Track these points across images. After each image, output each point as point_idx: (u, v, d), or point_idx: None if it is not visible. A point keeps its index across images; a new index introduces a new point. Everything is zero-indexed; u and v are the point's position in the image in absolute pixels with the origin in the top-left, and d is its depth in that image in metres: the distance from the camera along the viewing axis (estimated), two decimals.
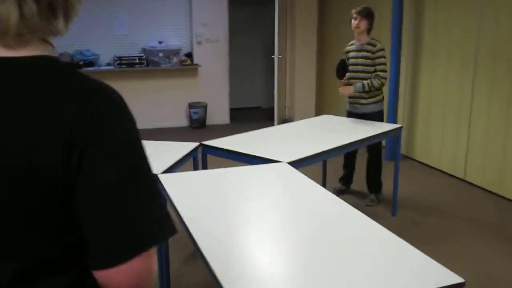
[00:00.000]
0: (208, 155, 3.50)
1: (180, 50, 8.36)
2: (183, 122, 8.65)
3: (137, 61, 7.97)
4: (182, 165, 3.21)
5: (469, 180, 5.29)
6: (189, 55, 8.43)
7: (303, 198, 2.32)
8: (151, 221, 0.91)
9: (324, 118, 4.60)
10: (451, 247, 3.80)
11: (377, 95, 4.57)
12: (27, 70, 0.91)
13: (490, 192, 4.96)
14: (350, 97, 4.66)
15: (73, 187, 0.87)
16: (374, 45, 4.45)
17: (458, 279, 1.59)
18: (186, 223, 2.01)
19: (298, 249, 1.76)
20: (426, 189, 5.15)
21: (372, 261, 1.69)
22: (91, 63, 7.87)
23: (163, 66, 8.15)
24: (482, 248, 3.77)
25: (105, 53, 8.07)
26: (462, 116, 5.33)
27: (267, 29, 9.13)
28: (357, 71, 4.52)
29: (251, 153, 3.21)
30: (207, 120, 8.64)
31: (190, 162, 3.53)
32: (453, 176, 5.54)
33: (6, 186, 0.86)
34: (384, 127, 4.17)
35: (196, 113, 8.46)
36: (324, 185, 4.94)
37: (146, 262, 0.90)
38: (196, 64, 8.41)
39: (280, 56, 7.90)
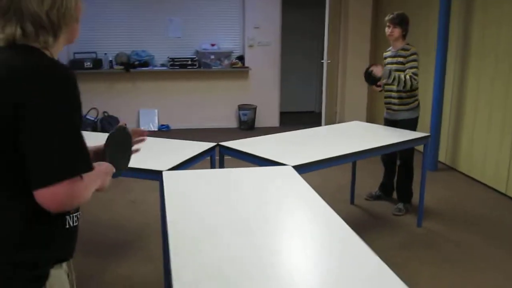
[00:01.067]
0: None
1: (232, 52, 8.53)
2: (233, 123, 8.82)
3: (190, 62, 8.22)
4: (195, 163, 3.32)
5: (511, 195, 5.05)
6: (241, 58, 8.58)
7: (285, 201, 2.35)
8: (70, 158, 1.27)
9: (352, 124, 4.56)
10: (470, 272, 3.67)
11: (410, 103, 4.49)
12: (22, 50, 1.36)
13: None
14: (385, 103, 4.63)
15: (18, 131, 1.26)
16: (407, 50, 4.42)
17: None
18: (167, 220, 2.10)
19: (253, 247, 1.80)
20: (463, 201, 4.97)
21: (329, 261, 1.70)
22: (145, 64, 8.20)
23: (214, 68, 8.35)
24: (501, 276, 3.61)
25: (160, 54, 8.39)
26: (507, 125, 5.09)
27: (322, 32, 9.09)
28: (392, 84, 4.43)
29: (259, 155, 3.27)
30: (256, 123, 8.75)
31: (208, 161, 3.64)
32: (494, 189, 5.30)
33: None
34: (408, 135, 4.08)
35: (245, 115, 8.59)
36: (352, 188, 4.90)
37: (68, 189, 1.26)
38: (247, 67, 8.54)
39: (329, 61, 7.87)
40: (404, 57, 4.39)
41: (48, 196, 1.25)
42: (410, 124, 4.47)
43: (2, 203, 1.33)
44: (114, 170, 1.64)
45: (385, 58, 4.66)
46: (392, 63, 4.50)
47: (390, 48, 4.63)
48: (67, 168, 1.26)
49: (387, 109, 4.64)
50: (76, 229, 1.49)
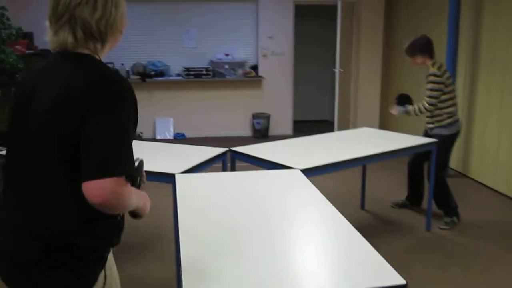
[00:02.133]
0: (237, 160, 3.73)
1: (246, 62, 8.68)
2: (247, 131, 8.95)
3: (204, 72, 8.39)
4: (207, 167, 3.44)
5: None
6: (255, 68, 8.73)
7: (291, 203, 2.45)
8: (117, 160, 1.40)
9: (362, 131, 4.66)
10: (479, 275, 3.73)
11: (442, 120, 4.40)
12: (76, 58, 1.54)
13: None
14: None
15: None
16: (430, 72, 4.36)
17: (401, 281, 1.67)
18: (179, 220, 2.23)
19: (253, 247, 1.92)
20: (473, 207, 5.01)
21: (331, 257, 1.80)
22: (161, 73, 8.39)
23: (228, 77, 8.51)
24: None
25: (175, 64, 8.58)
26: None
27: (335, 41, 9.20)
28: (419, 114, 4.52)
29: (269, 159, 3.39)
30: (270, 131, 8.87)
31: (220, 166, 3.77)
32: (506, 195, 5.34)
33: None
34: (415, 141, 4.17)
35: (259, 123, 8.72)
36: (363, 193, 4.98)
37: (113, 185, 1.38)
38: (261, 76, 8.69)
39: (341, 70, 7.97)
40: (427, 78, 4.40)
41: (95, 188, 1.37)
42: (441, 140, 4.35)
43: (65, 195, 1.48)
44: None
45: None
46: (427, 82, 4.43)
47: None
48: (116, 167, 1.39)
49: (426, 123, 4.61)
50: (123, 219, 1.67)
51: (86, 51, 1.53)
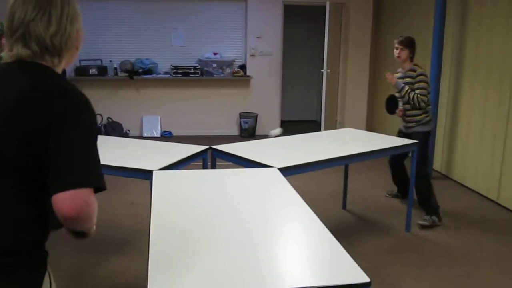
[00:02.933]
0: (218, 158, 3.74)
1: (234, 61, 8.70)
2: (234, 131, 8.97)
3: (192, 70, 8.40)
4: (186, 164, 3.46)
5: (502, 203, 5.14)
6: (243, 67, 8.75)
7: (265, 201, 2.47)
8: (90, 171, 1.39)
9: (344, 131, 4.69)
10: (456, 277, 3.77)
11: (423, 118, 4.64)
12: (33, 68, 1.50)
13: None
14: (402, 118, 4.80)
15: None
16: (414, 71, 4.59)
17: (365, 279, 1.69)
18: (151, 216, 2.24)
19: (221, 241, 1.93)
20: (454, 208, 5.06)
21: (300, 255, 1.82)
22: (149, 71, 8.39)
23: (216, 76, 8.52)
24: (493, 279, 3.71)
25: (163, 62, 8.58)
26: (498, 135, 5.20)
27: (323, 42, 9.24)
28: (402, 97, 4.66)
29: (248, 158, 3.41)
30: (257, 130, 8.89)
31: (200, 163, 3.78)
32: (486, 197, 5.40)
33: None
34: (396, 142, 4.21)
35: (246, 123, 8.74)
36: (344, 193, 5.01)
37: (84, 197, 1.35)
38: (249, 76, 8.70)
39: (329, 71, 8.01)
40: (413, 77, 4.57)
41: (68, 199, 1.33)
42: (421, 137, 4.58)
43: (11, 204, 1.43)
44: None
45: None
46: (418, 82, 4.60)
47: (399, 69, 4.79)
48: (89, 177, 1.38)
49: (404, 122, 4.82)
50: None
51: (44, 63, 1.51)
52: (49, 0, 1.50)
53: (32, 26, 1.47)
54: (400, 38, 4.62)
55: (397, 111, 4.74)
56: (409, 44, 4.60)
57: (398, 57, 4.63)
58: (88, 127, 1.43)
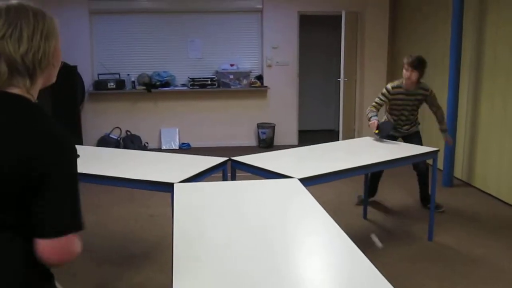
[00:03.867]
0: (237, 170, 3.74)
1: (251, 72, 8.73)
2: (252, 141, 8.98)
3: (209, 82, 8.44)
4: (207, 176, 3.46)
5: None
6: (259, 78, 8.77)
7: (287, 213, 2.46)
8: (76, 215, 1.36)
9: (363, 140, 4.66)
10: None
11: (417, 121, 5.12)
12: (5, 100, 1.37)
13: None
14: (396, 124, 5.03)
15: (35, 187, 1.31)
16: (426, 89, 4.73)
17: None
18: (174, 229, 2.25)
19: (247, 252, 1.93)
20: (476, 217, 4.99)
21: (326, 270, 1.81)
22: (167, 84, 8.46)
23: (233, 87, 8.55)
24: None
25: (181, 75, 8.65)
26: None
27: (339, 51, 9.23)
28: (402, 114, 4.93)
29: (268, 169, 3.40)
30: (275, 141, 8.89)
31: (220, 175, 3.79)
32: (510, 205, 5.31)
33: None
34: (418, 150, 4.17)
35: (264, 133, 8.74)
36: (365, 202, 4.97)
37: (68, 243, 1.34)
38: (266, 86, 8.72)
39: (346, 80, 7.99)
40: (425, 95, 4.80)
41: (51, 248, 1.32)
42: (418, 137, 5.04)
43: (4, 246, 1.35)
44: None
45: (394, 94, 4.83)
46: (407, 100, 4.83)
47: (398, 84, 4.81)
48: (74, 223, 1.35)
49: (398, 128, 5.03)
50: None
51: (15, 90, 1.37)
52: (19, 15, 1.36)
53: (1, 45, 1.33)
54: (411, 59, 4.59)
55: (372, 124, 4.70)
56: (419, 65, 4.61)
57: (408, 78, 4.65)
58: (73, 168, 1.36)
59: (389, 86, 4.85)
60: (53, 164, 1.31)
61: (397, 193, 5.82)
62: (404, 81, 4.74)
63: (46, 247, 1.32)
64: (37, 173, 1.29)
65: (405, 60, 4.64)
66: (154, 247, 4.29)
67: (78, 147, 1.33)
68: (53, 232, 1.31)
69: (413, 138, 4.97)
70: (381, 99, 4.86)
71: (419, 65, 4.59)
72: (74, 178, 1.37)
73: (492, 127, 5.66)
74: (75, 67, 7.84)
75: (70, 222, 1.34)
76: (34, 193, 1.30)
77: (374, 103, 4.88)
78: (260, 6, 8.61)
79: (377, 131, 4.57)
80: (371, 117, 4.68)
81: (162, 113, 8.69)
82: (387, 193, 5.84)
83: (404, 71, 4.66)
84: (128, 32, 8.46)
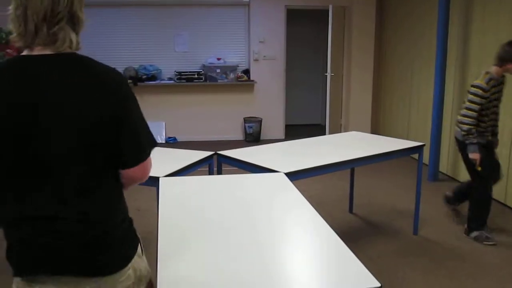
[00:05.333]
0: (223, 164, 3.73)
1: (237, 66, 8.70)
2: (239, 136, 8.96)
3: (196, 76, 8.40)
4: (192, 171, 3.45)
5: (510, 205, 5.10)
6: (246, 72, 8.75)
7: (272, 206, 2.46)
8: (151, 139, 1.62)
9: (350, 134, 4.67)
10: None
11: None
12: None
13: None
14: (488, 129, 4.24)
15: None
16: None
17: (375, 284, 1.67)
18: (159, 224, 2.23)
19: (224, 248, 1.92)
20: (461, 211, 5.03)
21: (309, 260, 1.81)
22: (153, 77, 8.40)
23: (220, 81, 8.52)
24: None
25: (167, 68, 8.59)
26: (505, 134, 5.17)
27: (326, 45, 9.24)
28: (494, 113, 4.21)
29: (254, 163, 3.39)
30: (262, 135, 8.89)
31: (206, 169, 3.77)
32: (494, 199, 5.36)
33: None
34: (402, 144, 4.18)
35: (251, 127, 8.73)
36: (351, 197, 4.99)
37: (149, 164, 1.63)
38: (252, 80, 8.70)
39: (333, 74, 8.00)
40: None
41: (140, 170, 1.59)
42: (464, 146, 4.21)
43: (111, 186, 1.59)
44: None
45: (489, 90, 4.00)
46: (497, 93, 4.14)
47: (487, 76, 4.02)
48: (152, 146, 1.62)
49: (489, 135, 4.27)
50: None
51: (68, 50, 1.46)
52: None
53: (75, 10, 1.47)
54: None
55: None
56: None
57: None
58: (136, 99, 1.56)
59: (480, 84, 3.98)
60: (123, 95, 1.49)
61: (383, 187, 5.85)
62: (497, 70, 4.04)
63: (134, 172, 1.58)
64: (112, 106, 1.46)
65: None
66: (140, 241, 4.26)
67: None
68: (138, 160, 1.57)
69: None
70: (479, 103, 3.99)
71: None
72: (139, 109, 1.58)
73: None
74: None
75: (148, 148, 1.60)
76: (119, 135, 1.49)
77: (471, 113, 3.99)
78: (247, 0, 8.57)
79: (480, 168, 4.08)
80: (473, 144, 4.05)
81: (149, 107, 8.63)
82: (372, 187, 5.87)
83: None
84: (113, 25, 8.38)
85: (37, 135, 1.40)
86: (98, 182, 1.52)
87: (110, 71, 1.50)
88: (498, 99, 4.19)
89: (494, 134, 4.32)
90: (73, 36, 1.46)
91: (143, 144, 1.57)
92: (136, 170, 1.57)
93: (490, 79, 4.01)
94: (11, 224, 1.49)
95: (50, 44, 1.43)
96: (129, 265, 1.64)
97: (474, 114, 3.99)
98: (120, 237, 1.62)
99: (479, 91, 3.97)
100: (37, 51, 1.43)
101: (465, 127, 4.02)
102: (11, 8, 1.42)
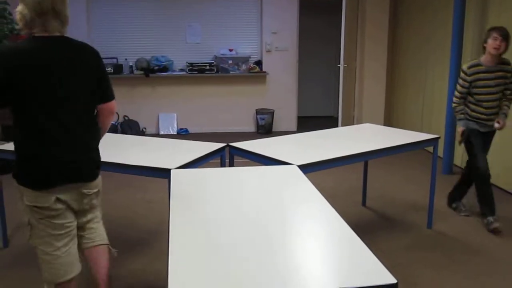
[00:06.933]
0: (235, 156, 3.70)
1: (250, 57, 8.65)
2: (251, 127, 8.92)
3: (208, 67, 8.36)
4: (204, 162, 3.42)
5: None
6: (259, 63, 8.69)
7: (285, 199, 2.43)
8: (112, 91, 2.61)
9: (363, 126, 4.61)
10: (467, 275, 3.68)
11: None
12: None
13: None
14: (484, 115, 4.39)
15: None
16: (509, 63, 4.28)
17: (392, 280, 1.63)
18: (170, 216, 2.21)
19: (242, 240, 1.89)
20: (476, 205, 4.96)
21: (322, 253, 1.77)
22: (165, 69, 8.37)
23: (232, 73, 8.48)
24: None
25: (179, 60, 8.56)
26: None
27: (339, 36, 9.14)
28: (490, 93, 4.27)
29: (267, 155, 3.36)
30: (274, 127, 8.84)
31: (218, 161, 3.74)
32: (510, 193, 5.28)
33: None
34: (417, 137, 4.12)
35: (263, 119, 8.69)
36: (364, 189, 4.94)
37: (114, 103, 2.60)
38: (265, 72, 8.65)
39: (345, 66, 7.92)
40: (509, 71, 4.26)
41: (113, 104, 2.58)
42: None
43: (94, 122, 2.52)
44: None
45: (472, 74, 4.26)
46: (487, 80, 4.25)
47: (474, 62, 4.30)
48: (113, 94, 2.62)
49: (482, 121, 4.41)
50: None
51: (57, 34, 2.37)
52: None
53: (63, 8, 2.36)
54: (503, 31, 4.13)
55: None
56: (509, 37, 4.16)
57: (497, 48, 4.13)
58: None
59: (463, 66, 4.32)
60: (101, 61, 2.53)
61: (396, 180, 5.79)
62: (484, 56, 4.25)
63: (111, 105, 2.57)
64: (97, 67, 2.48)
65: (493, 29, 4.17)
66: (151, 234, 4.26)
67: None
68: (111, 97, 2.58)
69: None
70: (461, 86, 4.31)
71: (508, 36, 4.13)
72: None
73: None
74: None
75: (113, 94, 2.61)
76: (100, 84, 2.50)
77: (456, 93, 4.37)
78: None
79: (460, 142, 4.42)
80: (459, 120, 4.37)
81: (160, 98, 8.63)
82: (386, 180, 5.81)
83: (490, 41, 4.15)
84: (126, 16, 8.36)
85: (54, 82, 2.30)
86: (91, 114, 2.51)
87: (88, 46, 2.47)
88: (491, 87, 4.26)
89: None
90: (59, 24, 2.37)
91: (112, 90, 2.58)
92: (110, 104, 2.55)
93: (473, 65, 4.29)
94: (32, 136, 2.28)
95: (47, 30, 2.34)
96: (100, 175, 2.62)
97: (458, 94, 4.38)
98: (98, 153, 2.58)
99: (461, 74, 4.34)
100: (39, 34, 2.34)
101: (452, 105, 4.47)
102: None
